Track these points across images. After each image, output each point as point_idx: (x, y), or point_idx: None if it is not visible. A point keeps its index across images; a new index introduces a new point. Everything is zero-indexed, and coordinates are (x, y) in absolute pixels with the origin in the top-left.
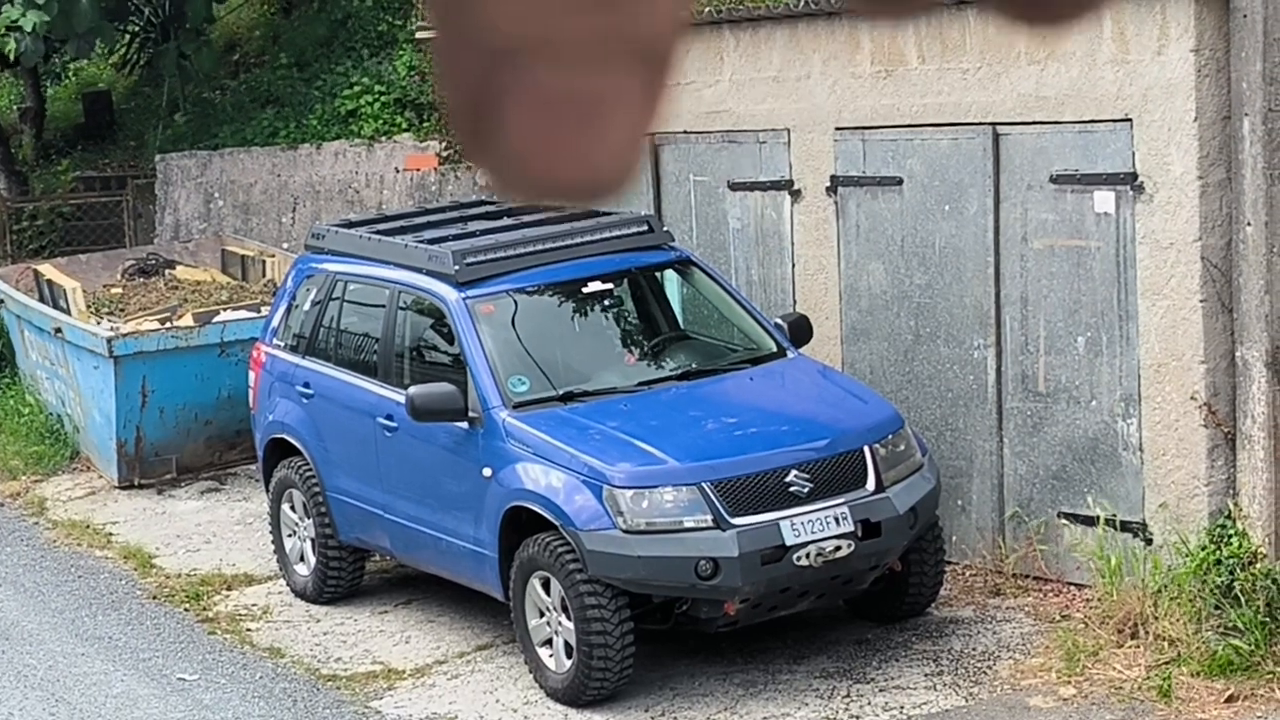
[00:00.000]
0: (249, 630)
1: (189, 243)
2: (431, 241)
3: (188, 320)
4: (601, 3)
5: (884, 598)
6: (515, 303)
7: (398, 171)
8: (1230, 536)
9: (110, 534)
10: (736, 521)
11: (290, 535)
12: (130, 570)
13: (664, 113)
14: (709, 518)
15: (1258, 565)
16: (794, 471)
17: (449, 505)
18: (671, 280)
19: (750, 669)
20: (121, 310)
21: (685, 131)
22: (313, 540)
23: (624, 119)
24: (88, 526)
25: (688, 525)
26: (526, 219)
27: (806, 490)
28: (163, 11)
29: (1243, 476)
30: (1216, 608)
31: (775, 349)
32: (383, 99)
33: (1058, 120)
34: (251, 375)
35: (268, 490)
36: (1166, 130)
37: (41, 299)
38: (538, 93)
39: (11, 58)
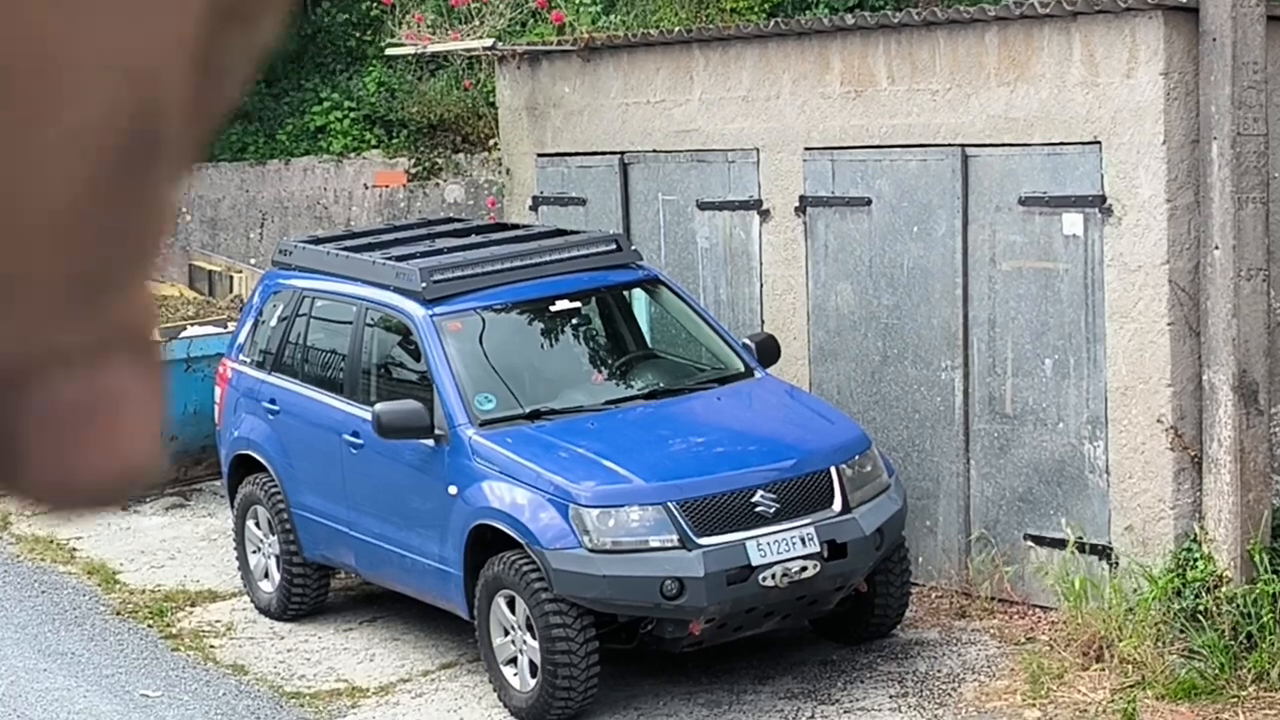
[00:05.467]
0: (212, 647)
1: None
2: (399, 258)
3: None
4: (86, 305)
5: (849, 619)
6: (483, 320)
7: (366, 188)
8: (1196, 560)
9: (74, 549)
10: (702, 541)
11: (255, 552)
12: (94, 586)
13: (164, 403)
14: (675, 537)
15: (1223, 589)
16: (760, 492)
17: (414, 523)
18: (639, 299)
19: (715, 689)
20: None
21: (654, 150)
22: (277, 557)
23: (137, 413)
24: (51, 542)
25: (653, 545)
26: (495, 237)
27: (773, 510)
28: None
29: (1209, 500)
30: (1181, 631)
31: (743, 369)
32: (352, 115)
33: (1027, 142)
34: (217, 391)
35: (232, 506)
36: (1135, 153)
37: None
38: (50, 408)
39: None
